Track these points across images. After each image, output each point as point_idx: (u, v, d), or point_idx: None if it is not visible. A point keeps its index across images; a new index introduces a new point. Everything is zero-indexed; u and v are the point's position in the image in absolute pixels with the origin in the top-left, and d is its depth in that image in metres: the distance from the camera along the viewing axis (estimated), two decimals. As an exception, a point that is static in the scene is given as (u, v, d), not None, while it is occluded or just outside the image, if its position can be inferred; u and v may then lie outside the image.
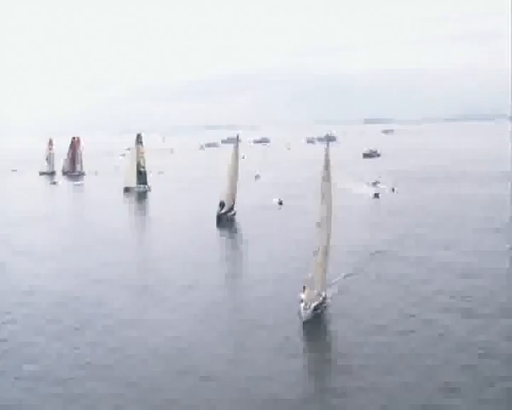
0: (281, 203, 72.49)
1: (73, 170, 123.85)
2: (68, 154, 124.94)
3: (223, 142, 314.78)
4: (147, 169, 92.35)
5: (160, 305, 34.45)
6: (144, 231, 63.73)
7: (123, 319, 32.18)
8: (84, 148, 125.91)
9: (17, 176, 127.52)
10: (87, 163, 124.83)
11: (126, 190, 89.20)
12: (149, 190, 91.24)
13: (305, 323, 30.32)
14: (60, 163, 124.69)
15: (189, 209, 71.78)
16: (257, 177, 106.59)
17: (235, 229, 61.48)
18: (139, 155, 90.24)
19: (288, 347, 27.95)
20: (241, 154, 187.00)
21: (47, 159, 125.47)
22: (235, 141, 67.77)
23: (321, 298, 32.45)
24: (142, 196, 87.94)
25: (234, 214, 65.35)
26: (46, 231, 59.84)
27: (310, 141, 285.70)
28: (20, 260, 46.48)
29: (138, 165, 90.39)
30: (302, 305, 30.81)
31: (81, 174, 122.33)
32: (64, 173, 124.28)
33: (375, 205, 73.24)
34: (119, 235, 57.68)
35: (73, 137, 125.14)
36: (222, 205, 63.62)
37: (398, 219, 62.32)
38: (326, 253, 32.72)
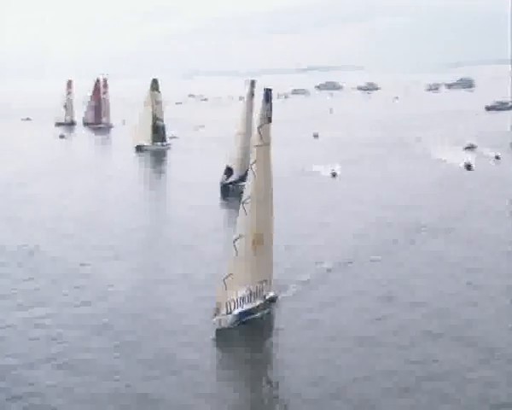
0: (334, 175, 70.68)
1: (98, 121, 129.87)
2: (90, 101, 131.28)
3: (317, 88, 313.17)
4: (165, 122, 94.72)
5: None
6: (143, 199, 65.35)
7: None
8: (108, 93, 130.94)
9: (27, 126, 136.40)
10: (130, 114, 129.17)
11: (139, 148, 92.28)
12: (169, 149, 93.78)
13: (219, 331, 30.03)
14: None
15: (207, 175, 72.28)
16: (316, 135, 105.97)
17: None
18: (155, 105, 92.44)
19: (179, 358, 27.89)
20: (329, 105, 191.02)
21: (65, 106, 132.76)
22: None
23: (258, 301, 32.02)
24: (157, 157, 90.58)
25: (249, 185, 65.35)
26: (28, 197, 63.39)
27: (432, 88, 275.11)
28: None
29: (154, 117, 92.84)
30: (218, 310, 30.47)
31: (108, 126, 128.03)
32: (85, 125, 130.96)
33: (461, 178, 69.11)
34: (114, 201, 61.05)
35: (97, 80, 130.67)
36: (229, 172, 63.72)
37: (476, 196, 59.08)
38: (262, 242, 31.93)
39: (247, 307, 31.57)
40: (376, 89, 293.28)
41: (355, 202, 58.48)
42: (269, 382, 26.98)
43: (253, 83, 65.15)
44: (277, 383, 26.93)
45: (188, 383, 25.88)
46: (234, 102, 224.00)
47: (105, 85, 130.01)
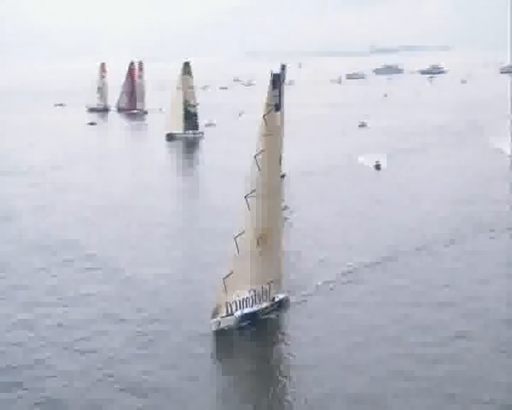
0: (378, 167, 70.08)
1: (132, 107, 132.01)
2: (124, 85, 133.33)
3: (375, 71, 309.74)
4: (198, 108, 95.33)
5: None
6: (169, 190, 65.82)
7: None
8: (144, 77, 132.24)
9: (60, 112, 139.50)
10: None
11: (170, 137, 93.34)
12: (201, 137, 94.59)
13: (218, 333, 30.39)
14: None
15: (238, 167, 72.48)
16: (362, 124, 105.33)
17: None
18: (187, 90, 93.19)
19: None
20: (384, 91, 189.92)
21: (98, 90, 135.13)
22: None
23: (265, 303, 32.20)
24: (189, 146, 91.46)
25: (282, 177, 65.19)
26: (59, 184, 66.00)
27: (507, 70, 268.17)
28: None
29: (186, 103, 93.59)
30: (216, 310, 30.83)
31: (142, 113, 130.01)
32: (119, 110, 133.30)
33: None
34: (141, 191, 62.71)
35: (131, 63, 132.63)
36: (258, 164, 63.71)
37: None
38: (268, 240, 31.94)
39: (251, 309, 31.72)
40: (441, 72, 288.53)
41: (399, 195, 58.15)
42: (271, 394, 26.73)
43: (283, 67, 64.85)
44: (279, 391, 26.85)
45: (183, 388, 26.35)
46: (289, 84, 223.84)
47: (140, 69, 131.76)
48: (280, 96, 32.67)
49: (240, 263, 31.08)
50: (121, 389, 26.02)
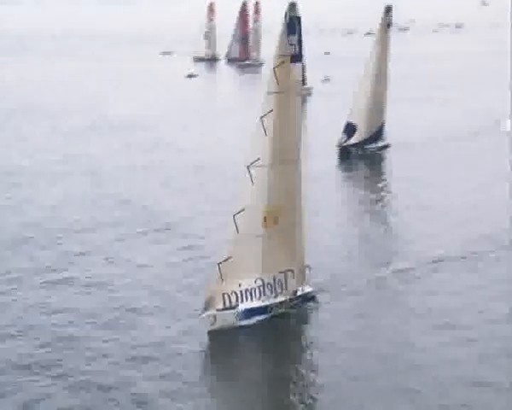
0: None
1: (245, 57, 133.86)
2: (236, 31, 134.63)
3: None
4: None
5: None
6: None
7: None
8: (261, 21, 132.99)
9: (164, 61, 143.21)
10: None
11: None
12: (310, 94, 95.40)
13: (211, 333, 30.68)
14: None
15: (330, 133, 72.97)
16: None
17: (374, 177, 60.52)
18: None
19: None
20: None
21: (206, 36, 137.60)
22: None
23: (280, 297, 32.30)
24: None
25: (384, 148, 65.26)
26: (148, 143, 70.38)
27: None
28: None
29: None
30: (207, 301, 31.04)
31: (257, 64, 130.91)
32: (229, 61, 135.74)
33: None
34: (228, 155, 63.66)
35: (244, 3, 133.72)
36: (350, 130, 63.16)
37: None
38: (279, 219, 31.93)
39: (258, 302, 31.77)
40: None
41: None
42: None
43: (388, 9, 63.81)
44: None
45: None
46: (444, 32, 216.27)
47: (256, 11, 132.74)
48: (300, 43, 31.67)
49: (241, 246, 31.11)
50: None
